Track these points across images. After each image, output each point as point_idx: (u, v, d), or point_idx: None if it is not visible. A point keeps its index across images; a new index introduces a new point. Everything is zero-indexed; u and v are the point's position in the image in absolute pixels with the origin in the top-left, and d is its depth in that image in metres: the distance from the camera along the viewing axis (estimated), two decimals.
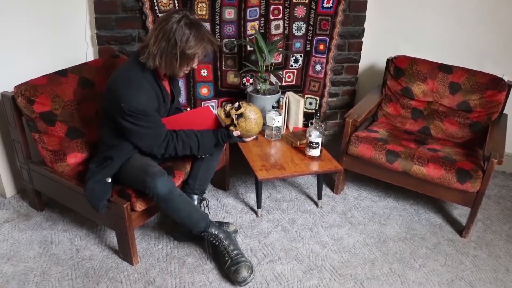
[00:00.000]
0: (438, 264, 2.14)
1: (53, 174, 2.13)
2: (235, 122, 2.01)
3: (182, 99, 2.82)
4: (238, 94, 2.90)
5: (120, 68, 1.93)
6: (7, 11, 2.23)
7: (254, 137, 2.15)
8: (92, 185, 1.91)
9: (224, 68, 2.84)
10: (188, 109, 2.38)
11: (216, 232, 2.02)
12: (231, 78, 2.89)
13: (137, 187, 1.92)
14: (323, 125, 2.40)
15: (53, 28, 2.47)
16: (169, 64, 1.83)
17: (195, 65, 1.93)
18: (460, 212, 2.55)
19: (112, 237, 2.22)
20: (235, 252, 2.00)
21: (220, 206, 2.53)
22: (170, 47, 1.77)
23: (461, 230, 2.37)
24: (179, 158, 2.16)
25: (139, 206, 1.93)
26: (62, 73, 2.20)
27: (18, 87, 2.03)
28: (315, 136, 2.33)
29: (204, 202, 2.27)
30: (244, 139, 2.10)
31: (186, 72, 1.95)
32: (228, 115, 2.03)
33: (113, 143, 1.97)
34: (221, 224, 2.24)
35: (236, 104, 2.03)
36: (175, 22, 1.76)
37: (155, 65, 1.82)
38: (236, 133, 2.03)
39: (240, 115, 2.01)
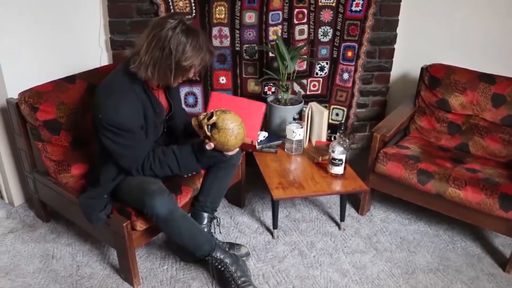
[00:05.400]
0: None
1: (56, 186, 2.04)
2: (207, 133, 1.73)
3: (199, 107, 2.69)
4: None
5: (107, 76, 1.77)
6: (20, 16, 2.17)
7: (237, 150, 1.83)
8: (84, 200, 1.81)
9: (244, 76, 2.68)
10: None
11: (221, 257, 1.85)
12: (252, 86, 2.72)
13: (135, 206, 1.78)
14: (347, 140, 2.19)
15: (67, 33, 2.40)
16: (162, 76, 1.65)
17: (191, 76, 1.75)
18: (503, 242, 2.27)
19: (115, 255, 2.09)
20: (242, 279, 1.82)
21: (233, 225, 2.36)
22: (164, 57, 1.59)
23: (504, 263, 2.11)
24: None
25: (140, 226, 1.79)
26: (70, 79, 2.10)
27: (22, 93, 1.95)
28: (338, 152, 2.12)
29: (215, 220, 2.11)
30: (224, 153, 1.81)
31: (181, 81, 1.78)
32: (201, 125, 1.76)
33: (101, 162, 1.83)
34: (232, 246, 2.08)
35: (209, 113, 1.76)
36: (170, 29, 1.57)
37: (147, 75, 1.64)
38: (209, 146, 1.75)
39: (213, 126, 1.72)
